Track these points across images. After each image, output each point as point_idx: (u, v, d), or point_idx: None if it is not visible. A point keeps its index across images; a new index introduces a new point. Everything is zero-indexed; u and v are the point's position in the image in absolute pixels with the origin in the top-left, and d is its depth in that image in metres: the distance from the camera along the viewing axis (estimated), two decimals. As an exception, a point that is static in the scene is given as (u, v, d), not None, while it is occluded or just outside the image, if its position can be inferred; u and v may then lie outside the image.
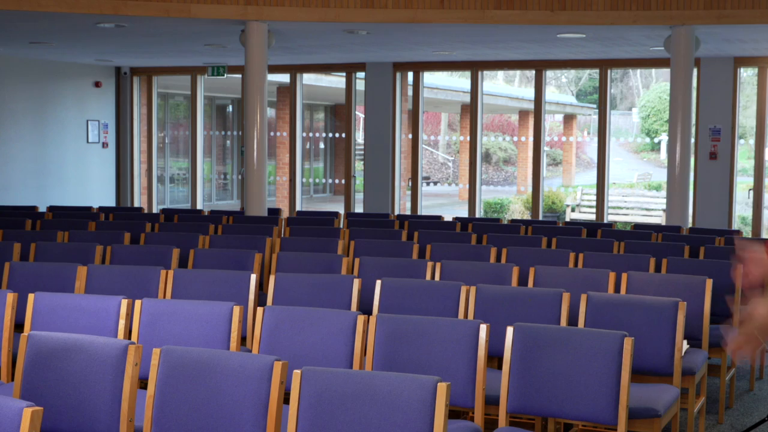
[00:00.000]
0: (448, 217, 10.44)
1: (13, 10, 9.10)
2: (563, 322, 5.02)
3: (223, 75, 13.99)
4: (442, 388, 3.07)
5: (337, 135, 21.92)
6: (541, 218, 13.52)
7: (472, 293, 5.18)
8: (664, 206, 11.59)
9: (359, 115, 15.43)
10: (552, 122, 28.16)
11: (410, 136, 14.40)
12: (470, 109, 13.93)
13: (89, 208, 11.19)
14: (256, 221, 9.55)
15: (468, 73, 13.97)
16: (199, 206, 15.50)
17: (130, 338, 4.52)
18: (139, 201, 15.93)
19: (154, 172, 16.08)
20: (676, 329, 4.76)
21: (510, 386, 4.03)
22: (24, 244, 7.22)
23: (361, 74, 14.33)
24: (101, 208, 11.16)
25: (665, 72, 23.98)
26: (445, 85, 21.29)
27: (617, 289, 5.83)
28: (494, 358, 5.08)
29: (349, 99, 14.47)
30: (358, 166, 15.11)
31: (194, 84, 15.39)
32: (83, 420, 3.55)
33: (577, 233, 8.67)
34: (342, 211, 12.44)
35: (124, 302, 4.53)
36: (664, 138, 25.75)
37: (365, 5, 9.66)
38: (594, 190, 14.01)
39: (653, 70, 30.55)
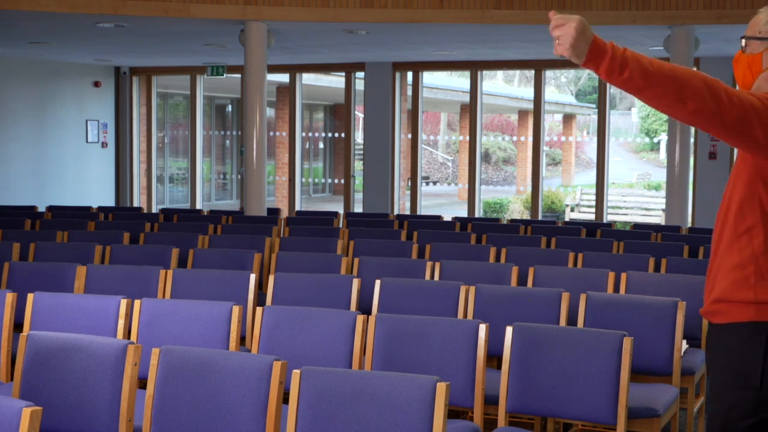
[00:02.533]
0: (447, 217, 10.44)
1: (13, 10, 9.10)
2: (563, 322, 5.01)
3: (223, 75, 13.98)
4: (441, 387, 3.07)
5: (336, 135, 21.92)
6: (540, 218, 13.53)
7: (472, 293, 5.18)
8: (664, 206, 11.60)
9: (359, 114, 15.43)
10: (551, 122, 28.15)
11: (410, 135, 14.40)
12: (470, 109, 13.93)
13: (88, 208, 11.19)
14: (255, 221, 9.55)
15: (467, 73, 13.97)
16: (198, 206, 15.50)
17: (129, 338, 4.52)
18: (138, 201, 15.93)
19: (154, 172, 16.08)
20: (676, 329, 4.76)
21: (509, 386, 4.03)
22: (23, 244, 7.21)
23: (360, 74, 14.33)
24: (100, 208, 11.16)
25: (665, 72, 23.94)
26: (445, 84, 21.29)
27: (617, 289, 5.83)
28: (494, 358, 5.08)
29: (348, 99, 14.47)
30: (358, 166, 15.11)
31: (194, 84, 15.39)
32: (83, 420, 3.55)
33: (577, 233, 8.67)
34: (341, 211, 12.43)
35: (124, 302, 4.53)
36: (663, 138, 25.74)
37: (365, 5, 9.66)
38: (593, 190, 14.01)
39: (653, 70, 30.50)
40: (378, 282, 5.44)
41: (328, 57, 13.61)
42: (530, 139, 13.95)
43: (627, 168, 28.07)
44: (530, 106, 15.02)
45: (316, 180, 23.11)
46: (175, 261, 6.79)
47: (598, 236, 8.54)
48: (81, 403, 3.55)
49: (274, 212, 11.12)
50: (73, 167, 15.08)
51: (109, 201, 15.57)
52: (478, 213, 14.23)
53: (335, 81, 17.45)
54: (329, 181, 23.16)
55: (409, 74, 14.26)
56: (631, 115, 32.00)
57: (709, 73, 10.01)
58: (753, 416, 2.86)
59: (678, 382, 4.72)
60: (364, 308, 5.91)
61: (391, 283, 5.46)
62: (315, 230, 8.73)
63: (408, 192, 14.57)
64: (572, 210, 20.09)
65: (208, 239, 7.78)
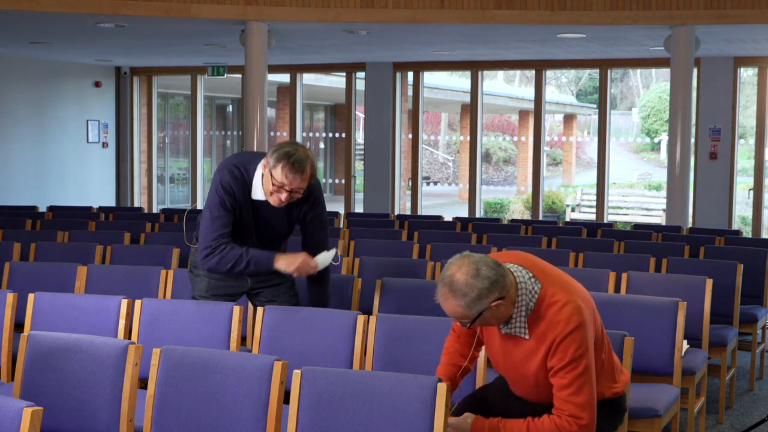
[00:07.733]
0: (448, 217, 10.44)
1: (13, 10, 9.10)
2: (563, 322, 5.00)
3: (223, 75, 13.99)
4: (442, 388, 3.07)
5: (337, 135, 21.92)
6: (541, 218, 13.52)
7: (472, 293, 5.16)
8: (664, 206, 11.59)
9: (359, 115, 15.43)
10: (552, 122, 28.15)
11: (410, 136, 14.40)
12: (470, 109, 13.93)
13: (89, 208, 11.18)
14: (256, 221, 9.51)
15: (468, 73, 13.97)
16: (199, 206, 15.49)
17: (130, 338, 4.52)
18: (139, 201, 15.93)
19: (154, 172, 16.08)
20: (676, 329, 4.76)
21: (510, 386, 4.02)
22: (24, 244, 7.21)
23: (361, 74, 14.33)
24: (101, 208, 11.15)
25: (665, 72, 23.99)
26: (445, 85, 21.28)
27: (617, 289, 5.83)
28: (494, 358, 5.07)
29: (349, 99, 14.47)
30: (358, 166, 15.11)
31: (194, 84, 15.39)
32: (83, 420, 3.55)
33: (577, 233, 8.66)
34: (342, 211, 12.43)
35: (124, 302, 4.53)
36: (664, 138, 25.74)
37: (365, 5, 9.66)
38: (594, 190, 14.01)
39: (653, 70, 30.57)
40: (379, 282, 5.44)
41: (329, 57, 13.61)
42: (531, 139, 13.95)
43: (628, 168, 28.07)
44: (531, 106, 15.01)
45: (317, 180, 23.06)
46: (175, 261, 6.78)
47: (598, 236, 8.53)
48: (82, 403, 3.55)
49: (274, 212, 11.08)
50: (74, 167, 15.08)
51: (110, 201, 15.57)
52: (479, 213, 14.23)
53: (336, 81, 17.45)
54: (330, 181, 23.15)
55: (410, 74, 14.26)
56: (632, 115, 32.00)
57: (710, 73, 10.11)
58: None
59: (679, 383, 4.72)
60: (365, 308, 5.90)
61: (391, 283, 5.46)
62: (315, 230, 8.70)
63: (408, 192, 14.57)
64: (573, 210, 20.09)
65: (209, 239, 7.76)
